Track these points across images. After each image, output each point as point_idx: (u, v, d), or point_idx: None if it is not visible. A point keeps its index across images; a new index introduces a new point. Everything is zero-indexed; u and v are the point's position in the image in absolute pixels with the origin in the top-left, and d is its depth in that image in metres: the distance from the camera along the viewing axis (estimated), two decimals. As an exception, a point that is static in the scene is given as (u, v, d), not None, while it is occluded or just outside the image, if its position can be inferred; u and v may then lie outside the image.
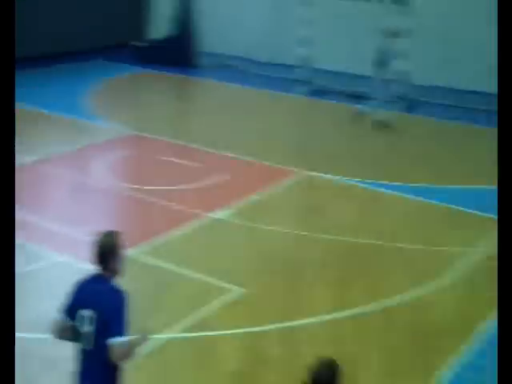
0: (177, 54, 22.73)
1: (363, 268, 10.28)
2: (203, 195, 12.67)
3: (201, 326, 8.55)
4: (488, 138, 16.59)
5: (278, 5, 23.29)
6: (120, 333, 5.16)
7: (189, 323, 8.59)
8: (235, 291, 9.41)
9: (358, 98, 19.46)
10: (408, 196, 13.01)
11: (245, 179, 13.88)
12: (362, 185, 13.49)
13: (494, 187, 13.20)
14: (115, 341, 5.13)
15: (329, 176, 13.88)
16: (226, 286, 9.53)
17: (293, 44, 21.27)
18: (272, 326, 8.68)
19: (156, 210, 12.02)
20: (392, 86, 17.67)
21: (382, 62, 17.08)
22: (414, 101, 18.90)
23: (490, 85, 19.63)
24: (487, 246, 11.04)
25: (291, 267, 10.26)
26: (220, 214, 11.85)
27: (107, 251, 5.32)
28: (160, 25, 24.48)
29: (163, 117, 18.00)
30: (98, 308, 5.22)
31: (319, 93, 20.19)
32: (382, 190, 13.30)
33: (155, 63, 22.30)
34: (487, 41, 19.67)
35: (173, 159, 14.40)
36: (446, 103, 19.30)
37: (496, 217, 11.82)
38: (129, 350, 5.21)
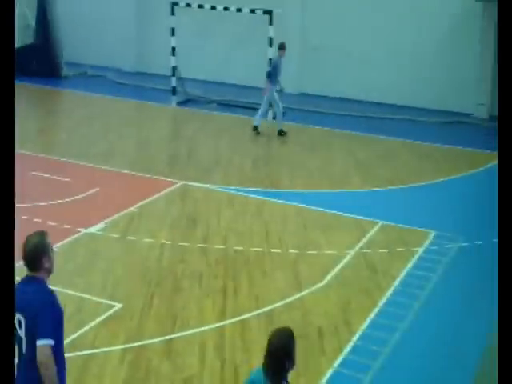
0: (37, 63, 21.98)
1: (247, 275, 10.30)
2: (77, 210, 12.31)
3: (78, 345, 8.26)
4: (365, 143, 17.14)
5: (144, 14, 23.09)
6: (45, 335, 5.00)
7: (66, 343, 8.28)
8: (113, 307, 9.18)
9: (232, 107, 19.64)
10: (287, 202, 13.19)
11: (121, 192, 13.61)
12: (241, 193, 13.56)
13: (365, 190, 13.93)
14: (40, 343, 4.99)
15: (207, 185, 13.86)
16: (104, 302, 9.28)
17: (162, 53, 21.17)
18: (153, 340, 8.52)
19: (28, 227, 11.50)
20: (280, 96, 17.87)
21: (271, 73, 17.33)
22: (297, 110, 19.22)
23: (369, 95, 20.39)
24: (363, 247, 11.37)
25: (172, 279, 10.13)
26: (95, 228, 11.55)
27: (36, 252, 5.19)
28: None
29: (29, 130, 17.35)
30: (26, 311, 5.08)
31: (190, 102, 20.16)
32: (262, 197, 13.42)
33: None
34: (354, 51, 20.41)
35: (43, 174, 13.91)
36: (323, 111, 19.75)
37: (370, 219, 12.29)
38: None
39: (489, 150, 16.75)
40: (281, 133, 17.47)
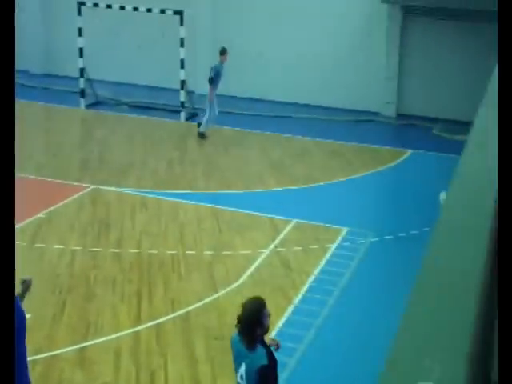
0: None
1: (162, 278, 10.19)
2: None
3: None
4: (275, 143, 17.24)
5: (50, 14, 22.55)
6: None
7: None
8: (25, 316, 8.90)
9: (143, 108, 19.40)
10: (201, 204, 13.12)
11: (27, 198, 13.22)
12: (155, 196, 13.40)
13: (279, 189, 14.04)
14: None
15: (120, 189, 13.64)
16: (15, 311, 8.98)
17: (70, 54, 20.73)
18: (65, 349, 8.32)
19: None
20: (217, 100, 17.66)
21: (214, 80, 17.05)
22: (196, 109, 19.14)
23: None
24: (277, 246, 11.43)
25: (84, 285, 9.91)
26: None
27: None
28: None
29: None
30: None
31: (100, 104, 19.81)
32: (176, 199, 13.30)
33: None
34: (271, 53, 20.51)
35: None
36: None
37: (284, 217, 12.37)
38: None
39: (397, 147, 17.16)
40: (202, 135, 17.20)
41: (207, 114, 17.27)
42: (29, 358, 7.99)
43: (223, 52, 17.26)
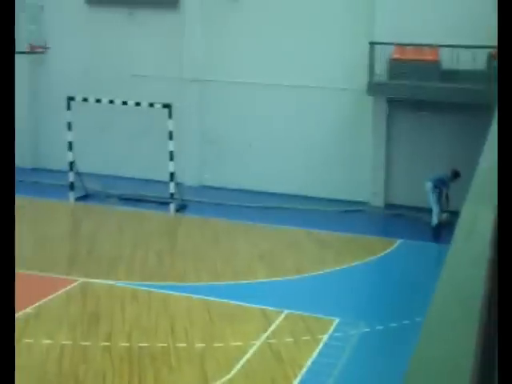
0: None
1: (153, 371, 10.04)
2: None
3: None
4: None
5: (38, 109, 22.96)
6: None
7: None
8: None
9: (132, 201, 19.54)
10: (192, 295, 13.07)
11: (15, 293, 13.12)
12: (145, 288, 13.35)
13: (269, 280, 14.02)
14: None
15: (109, 282, 13.59)
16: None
17: (58, 148, 21.00)
18: None
19: None
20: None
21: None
22: (185, 200, 19.31)
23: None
24: (269, 337, 11.34)
25: (73, 381, 9.74)
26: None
27: None
28: None
29: None
30: None
31: (89, 197, 19.94)
32: (166, 291, 13.25)
33: None
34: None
35: None
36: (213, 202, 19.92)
37: (275, 308, 12.31)
38: None
39: (386, 236, 17.28)
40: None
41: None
42: None
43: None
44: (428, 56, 18.83)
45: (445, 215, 16.94)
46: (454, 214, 4.79)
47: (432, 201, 17.29)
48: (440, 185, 17.34)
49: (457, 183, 16.56)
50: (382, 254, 15.98)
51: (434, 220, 17.10)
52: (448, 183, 17.36)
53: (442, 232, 16.20)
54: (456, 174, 17.05)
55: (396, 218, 18.86)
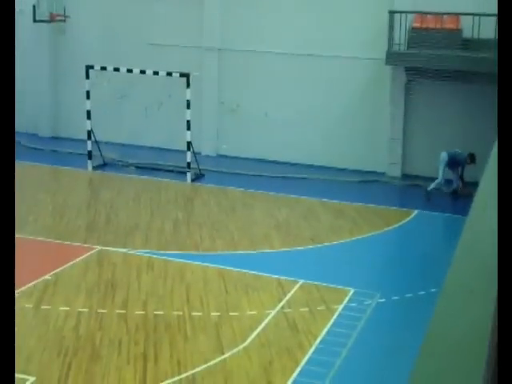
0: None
1: (168, 339, 10.12)
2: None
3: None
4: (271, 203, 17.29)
5: (58, 77, 22.95)
6: None
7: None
8: (26, 381, 8.82)
9: (150, 170, 19.57)
10: (208, 264, 13.11)
11: (34, 260, 13.25)
12: (161, 256, 13.41)
13: (285, 250, 14.03)
14: None
15: (126, 250, 13.66)
16: (16, 376, 8.88)
17: (77, 117, 21.04)
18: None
19: None
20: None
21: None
22: (202, 170, 19.30)
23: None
24: (284, 307, 11.37)
25: (90, 347, 9.84)
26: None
27: None
28: None
29: None
30: None
31: (107, 166, 19.99)
32: (182, 260, 13.31)
33: None
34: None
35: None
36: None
37: (291, 278, 12.33)
38: None
39: (402, 207, 17.20)
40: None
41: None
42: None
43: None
44: (449, 24, 18.56)
45: (459, 189, 17.23)
46: (473, 185, 4.74)
47: (440, 171, 17.40)
48: (453, 164, 17.42)
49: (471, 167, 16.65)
50: (399, 224, 15.92)
51: (431, 186, 17.41)
52: (463, 164, 17.38)
53: (433, 199, 17.17)
54: (472, 159, 17.06)
55: (413, 188, 18.76)
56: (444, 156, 17.40)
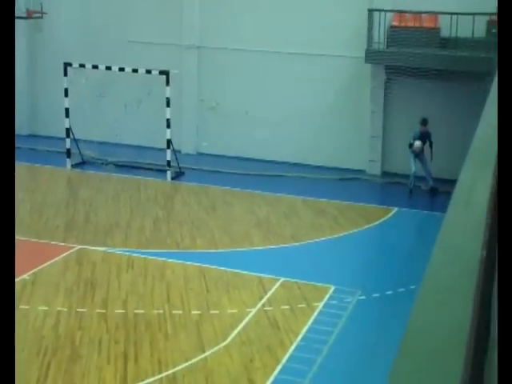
0: None
1: (149, 338, 10.09)
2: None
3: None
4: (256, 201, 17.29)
5: (35, 75, 22.78)
6: None
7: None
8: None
9: (129, 168, 19.48)
10: (188, 262, 13.08)
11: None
12: (141, 255, 13.36)
13: (265, 248, 14.03)
14: None
15: (106, 249, 13.58)
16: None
17: (55, 115, 20.89)
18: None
19: None
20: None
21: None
22: (182, 168, 19.24)
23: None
24: (264, 305, 11.37)
25: (69, 347, 9.78)
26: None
27: None
28: None
29: None
30: None
31: (86, 164, 19.88)
32: (162, 258, 13.26)
33: None
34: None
35: None
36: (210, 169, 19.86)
37: (271, 276, 12.34)
38: None
39: (382, 204, 17.28)
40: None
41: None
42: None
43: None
44: (427, 23, 18.65)
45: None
46: (451, 182, 4.76)
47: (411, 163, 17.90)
48: (423, 137, 17.93)
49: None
50: (379, 221, 15.98)
51: (411, 181, 17.79)
52: (429, 137, 17.89)
53: (414, 195, 17.62)
54: (425, 122, 17.75)
55: (393, 186, 18.84)
56: (417, 143, 17.87)
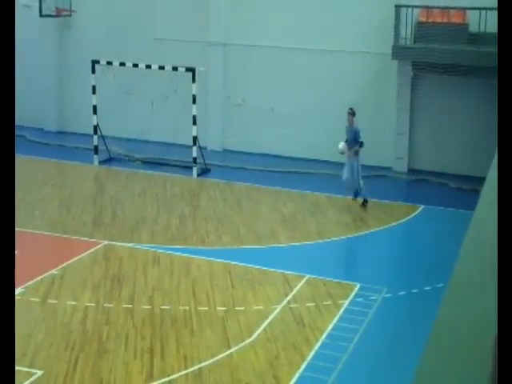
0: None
1: (175, 334, 10.15)
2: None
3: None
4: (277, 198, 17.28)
5: (64, 72, 22.96)
6: None
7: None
8: (33, 375, 8.85)
9: (156, 164, 19.58)
10: (214, 259, 13.13)
11: (41, 255, 13.28)
12: (167, 251, 13.43)
13: (291, 245, 14.02)
14: None
15: (132, 245, 13.68)
16: (22, 370, 8.93)
17: (83, 112, 21.06)
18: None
19: None
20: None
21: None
22: (208, 164, 19.30)
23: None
24: (290, 302, 11.38)
25: (97, 342, 9.87)
26: (16, 292, 11.18)
27: None
28: None
29: None
30: None
31: (113, 161, 20.02)
32: (188, 254, 13.32)
33: None
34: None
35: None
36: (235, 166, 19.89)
37: (297, 273, 12.34)
38: None
39: (409, 202, 17.17)
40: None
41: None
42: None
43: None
44: (455, 19, 18.50)
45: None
46: (479, 180, 4.73)
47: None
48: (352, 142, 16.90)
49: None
50: (405, 219, 15.90)
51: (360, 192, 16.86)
52: (357, 135, 16.96)
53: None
54: (353, 113, 17.03)
55: (419, 183, 18.72)
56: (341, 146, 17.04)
